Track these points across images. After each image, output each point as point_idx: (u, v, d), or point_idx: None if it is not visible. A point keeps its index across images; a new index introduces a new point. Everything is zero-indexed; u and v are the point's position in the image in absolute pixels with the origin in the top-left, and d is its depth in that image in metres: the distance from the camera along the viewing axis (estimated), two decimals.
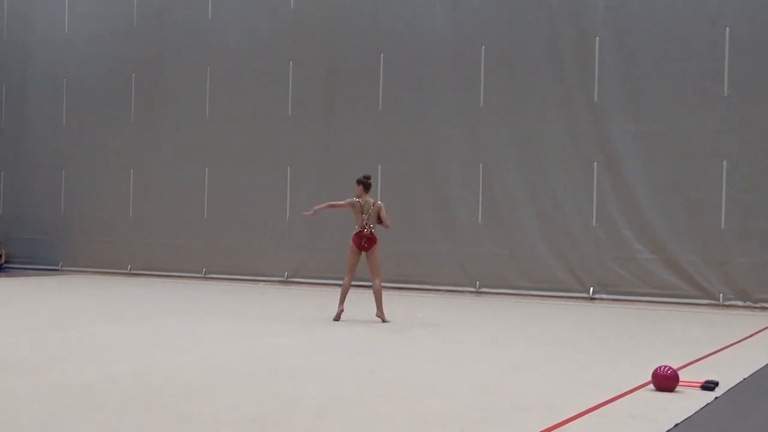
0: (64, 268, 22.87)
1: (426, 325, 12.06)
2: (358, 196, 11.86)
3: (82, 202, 22.74)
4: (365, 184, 11.92)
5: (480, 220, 17.78)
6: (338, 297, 12.21)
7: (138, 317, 12.32)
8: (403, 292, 17.51)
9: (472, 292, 17.58)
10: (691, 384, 7.30)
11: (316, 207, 12.30)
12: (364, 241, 11.65)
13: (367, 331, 11.08)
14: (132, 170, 22.01)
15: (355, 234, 11.79)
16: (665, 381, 7.12)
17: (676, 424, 5.87)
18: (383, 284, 12.33)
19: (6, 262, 23.63)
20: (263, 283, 19.53)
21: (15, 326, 10.85)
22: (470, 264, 17.76)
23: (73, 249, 22.94)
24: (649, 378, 7.31)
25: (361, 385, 7.17)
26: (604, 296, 16.52)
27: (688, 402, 6.64)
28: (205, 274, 20.70)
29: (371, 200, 11.86)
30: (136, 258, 21.84)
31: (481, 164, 17.78)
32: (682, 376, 7.42)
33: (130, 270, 21.78)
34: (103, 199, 22.38)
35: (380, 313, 11.82)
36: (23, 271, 22.49)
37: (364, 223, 11.70)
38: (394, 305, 13.75)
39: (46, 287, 17.97)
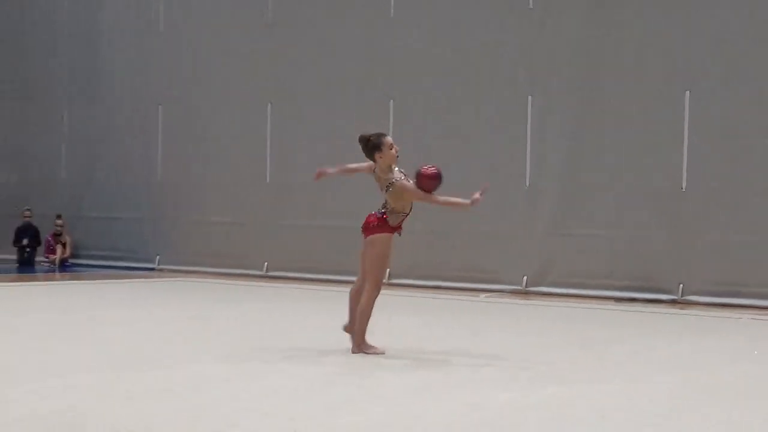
0: (162, 267, 15.13)
1: None
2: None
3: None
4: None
5: None
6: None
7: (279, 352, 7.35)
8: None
9: None
10: None
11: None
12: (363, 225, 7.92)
13: None
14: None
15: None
16: None
17: None
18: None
19: (71, 256, 15.75)
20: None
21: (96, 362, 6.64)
22: None
23: (175, 237, 15.19)
24: None
25: None
26: None
27: None
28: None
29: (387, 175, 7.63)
30: (274, 251, 14.31)
31: None
32: None
33: (266, 271, 14.27)
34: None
35: (350, 329, 7.77)
36: (98, 272, 14.74)
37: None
38: None
39: (139, 303, 10.96)
